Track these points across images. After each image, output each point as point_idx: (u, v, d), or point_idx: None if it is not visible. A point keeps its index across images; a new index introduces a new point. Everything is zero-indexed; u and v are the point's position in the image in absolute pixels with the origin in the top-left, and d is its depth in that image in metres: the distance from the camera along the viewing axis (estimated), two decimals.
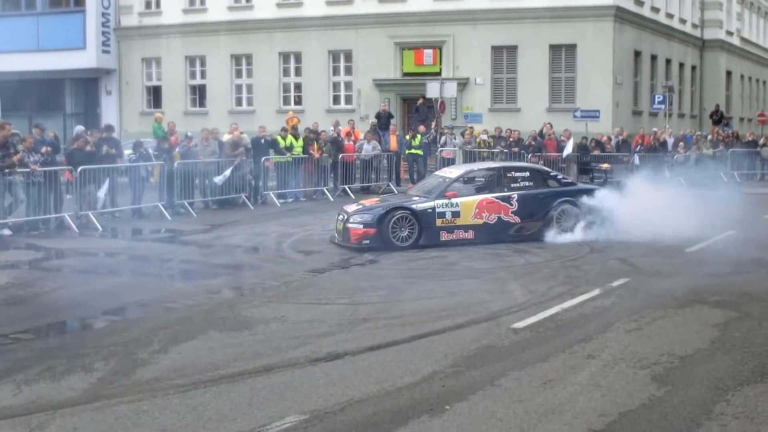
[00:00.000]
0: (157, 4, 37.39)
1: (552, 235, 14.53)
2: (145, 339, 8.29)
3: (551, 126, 26.69)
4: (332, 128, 24.80)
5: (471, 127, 27.75)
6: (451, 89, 29.79)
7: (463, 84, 32.34)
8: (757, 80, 49.41)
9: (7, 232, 15.16)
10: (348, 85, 34.68)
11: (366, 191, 22.91)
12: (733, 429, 5.97)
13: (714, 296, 10.19)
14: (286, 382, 6.95)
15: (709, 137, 30.61)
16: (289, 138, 22.09)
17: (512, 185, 14.83)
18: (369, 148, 24.32)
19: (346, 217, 14.23)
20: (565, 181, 15.89)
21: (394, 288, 10.87)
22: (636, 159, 26.13)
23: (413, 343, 8.11)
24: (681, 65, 39.06)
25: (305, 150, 22.09)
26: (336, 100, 34.92)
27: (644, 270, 12.07)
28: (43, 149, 16.58)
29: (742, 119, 44.43)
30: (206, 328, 8.72)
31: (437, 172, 16.80)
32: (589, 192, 15.30)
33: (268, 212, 19.24)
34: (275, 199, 20.88)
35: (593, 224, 14.65)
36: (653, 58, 35.81)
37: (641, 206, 14.51)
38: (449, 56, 32.87)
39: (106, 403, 6.45)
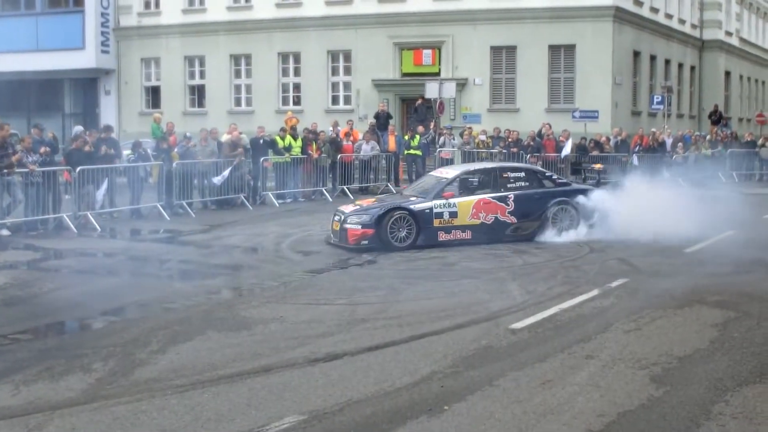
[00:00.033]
0: (156, 4, 37.39)
1: (548, 235, 14.57)
2: (144, 339, 8.29)
3: (550, 126, 26.67)
4: (331, 128, 24.81)
5: (470, 128, 27.75)
6: (450, 89, 29.81)
7: (462, 84, 32.35)
8: (756, 80, 49.44)
9: (5, 232, 15.15)
10: (347, 86, 34.69)
11: (365, 192, 22.89)
12: (731, 429, 5.97)
13: (713, 296, 10.19)
14: (285, 382, 6.94)
15: (708, 137, 30.59)
16: (288, 138, 22.09)
17: (508, 185, 14.85)
18: (368, 149, 24.32)
19: (343, 217, 14.19)
20: (560, 181, 15.92)
21: (393, 288, 10.87)
22: (635, 159, 26.12)
23: (412, 344, 8.11)
24: (680, 65, 39.08)
25: (304, 150, 22.08)
26: (335, 100, 34.93)
27: (643, 270, 12.06)
28: (42, 149, 16.58)
29: (740, 119, 44.45)
30: (205, 329, 8.71)
31: (432, 173, 16.80)
32: (585, 192, 15.34)
33: (266, 213, 19.23)
34: (274, 199, 20.86)
35: (588, 224, 14.68)
36: (652, 58, 35.83)
37: (636, 206, 14.53)
38: (448, 56, 32.89)
39: (105, 404, 6.45)
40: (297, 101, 35.18)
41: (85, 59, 36.97)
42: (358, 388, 6.77)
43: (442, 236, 14.25)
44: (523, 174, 15.25)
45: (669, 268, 12.17)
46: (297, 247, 14.46)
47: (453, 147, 26.07)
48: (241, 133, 21.48)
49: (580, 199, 14.96)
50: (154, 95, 37.56)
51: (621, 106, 32.42)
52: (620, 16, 32.14)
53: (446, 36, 32.82)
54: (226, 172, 19.60)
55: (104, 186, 17.04)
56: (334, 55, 34.77)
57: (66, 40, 36.86)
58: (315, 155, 22.22)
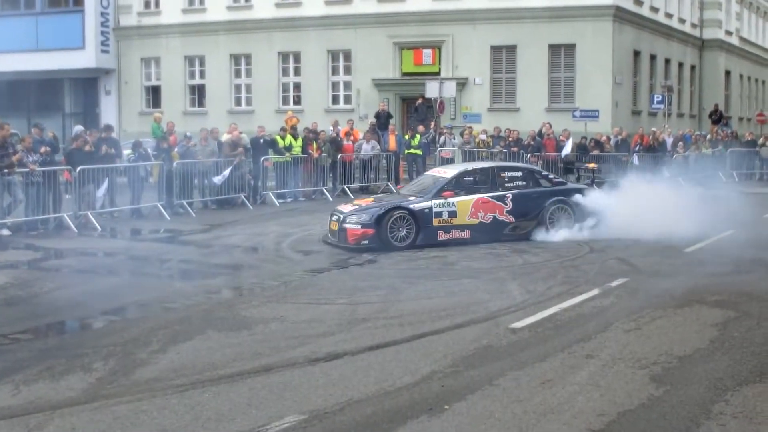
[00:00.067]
0: (156, 4, 37.39)
1: (545, 234, 14.58)
2: (144, 339, 8.29)
3: (550, 126, 26.67)
4: (331, 128, 24.79)
5: (470, 127, 27.74)
6: (450, 89, 29.80)
7: (462, 84, 32.35)
8: (756, 80, 49.44)
9: (6, 232, 15.15)
10: (347, 85, 34.69)
11: (365, 191, 22.89)
12: (731, 429, 5.97)
13: (713, 296, 10.19)
14: (285, 382, 6.94)
15: (708, 137, 30.62)
16: (288, 138, 22.09)
17: (506, 185, 14.89)
18: (368, 148, 24.32)
19: (341, 217, 14.17)
20: (557, 180, 15.96)
21: (393, 288, 10.87)
22: (635, 159, 26.12)
23: (412, 343, 8.11)
24: (680, 65, 39.08)
25: (304, 150, 22.09)
26: (335, 99, 34.93)
27: (643, 270, 12.06)
28: (42, 149, 16.58)
29: (741, 119, 44.45)
30: (205, 328, 8.71)
31: (429, 172, 16.80)
32: (581, 191, 15.38)
33: (267, 212, 19.23)
34: (274, 199, 20.87)
35: (586, 223, 14.70)
36: (652, 57, 35.82)
37: (634, 205, 14.54)
38: (448, 56, 32.89)
39: (105, 403, 6.45)
40: (297, 101, 35.19)
41: (85, 59, 36.98)
42: (359, 388, 6.77)
43: (442, 235, 14.26)
44: (520, 173, 15.30)
45: (669, 268, 12.17)
46: (297, 246, 14.47)
47: (453, 146, 26.06)
48: (241, 133, 21.49)
49: (577, 198, 15.01)
50: (154, 95, 37.56)
51: (621, 106, 32.42)
52: (620, 15, 32.14)
53: (446, 35, 32.82)
54: (227, 172, 19.60)
55: (104, 186, 17.05)
56: (334, 55, 34.77)
57: (66, 39, 36.86)
58: (315, 155, 22.22)
